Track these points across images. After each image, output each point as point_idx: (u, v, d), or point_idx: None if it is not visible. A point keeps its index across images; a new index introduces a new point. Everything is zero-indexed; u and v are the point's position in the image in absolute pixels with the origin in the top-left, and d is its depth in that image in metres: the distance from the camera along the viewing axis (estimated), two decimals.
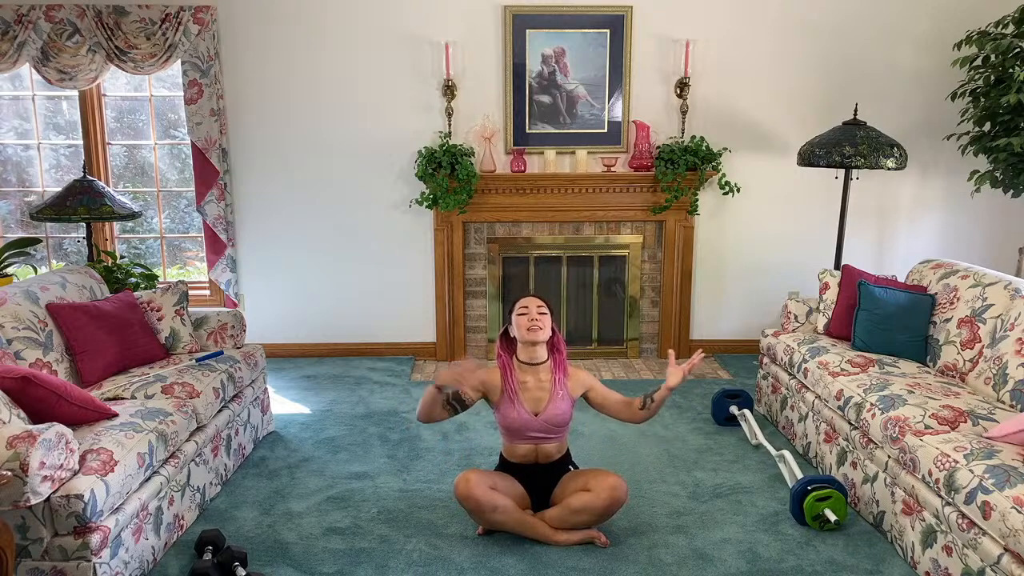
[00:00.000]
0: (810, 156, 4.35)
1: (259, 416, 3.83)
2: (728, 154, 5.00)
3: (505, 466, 3.01)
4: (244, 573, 2.60)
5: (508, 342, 2.99)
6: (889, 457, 2.91)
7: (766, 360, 4.15)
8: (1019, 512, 2.20)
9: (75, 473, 2.43)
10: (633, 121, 4.93)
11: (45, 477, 2.30)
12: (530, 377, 2.92)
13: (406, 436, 3.91)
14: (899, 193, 5.15)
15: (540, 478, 2.96)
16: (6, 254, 4.81)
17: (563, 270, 5.18)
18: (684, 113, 4.92)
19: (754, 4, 4.87)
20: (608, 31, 4.84)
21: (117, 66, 4.70)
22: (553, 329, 2.94)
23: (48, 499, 2.36)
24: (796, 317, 4.15)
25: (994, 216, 5.17)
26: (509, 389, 2.90)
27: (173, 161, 5.29)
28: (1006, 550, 2.26)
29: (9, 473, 2.24)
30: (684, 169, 4.76)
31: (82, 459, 2.49)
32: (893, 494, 2.86)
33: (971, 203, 5.12)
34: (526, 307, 2.90)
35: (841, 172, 4.96)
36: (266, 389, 3.93)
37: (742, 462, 3.59)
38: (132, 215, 4.37)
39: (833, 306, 3.95)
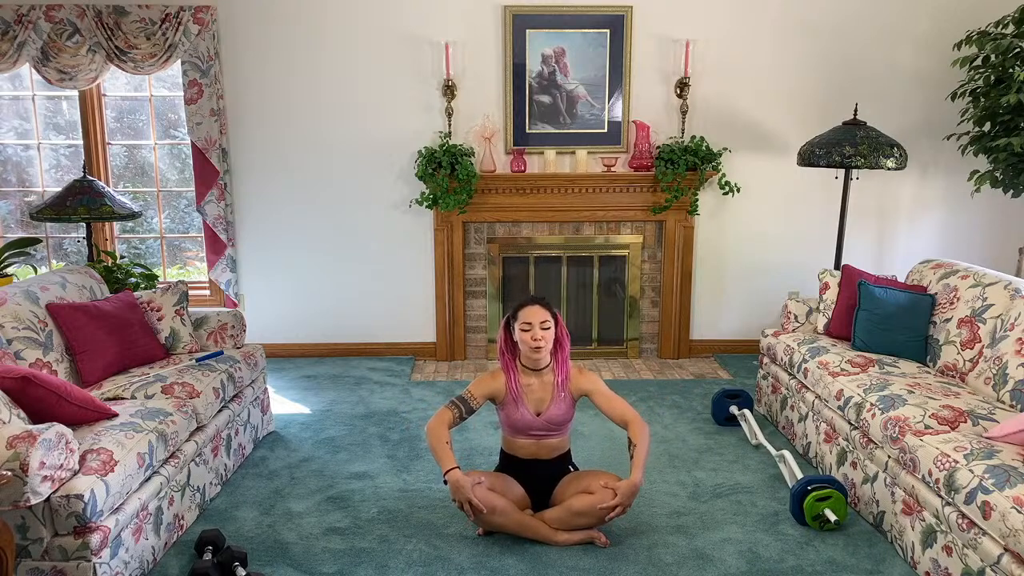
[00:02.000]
0: (810, 156, 4.35)
1: (259, 416, 3.83)
2: (728, 154, 5.00)
3: (506, 461, 3.02)
4: (244, 573, 2.60)
5: (510, 340, 2.97)
6: (889, 457, 2.91)
7: (766, 360, 4.15)
8: (1019, 512, 2.20)
9: (75, 473, 2.43)
10: (633, 121, 4.93)
11: (45, 477, 2.30)
12: (534, 379, 2.94)
13: (406, 436, 3.91)
14: (899, 193, 5.15)
15: (541, 473, 2.97)
16: (6, 254, 4.81)
17: (563, 270, 5.18)
18: (684, 113, 4.92)
19: (754, 4, 4.87)
20: (608, 31, 4.84)
21: (117, 66, 4.70)
22: (556, 316, 2.91)
23: (48, 499, 2.36)
24: (796, 317, 4.15)
25: (994, 216, 5.17)
26: (513, 392, 2.92)
27: (173, 161, 5.29)
28: (1006, 550, 2.26)
29: (9, 473, 2.24)
30: (684, 169, 4.76)
31: (82, 459, 2.49)
32: (893, 494, 2.86)
33: (971, 203, 5.12)
34: (529, 323, 2.85)
35: (841, 172, 4.96)
36: (266, 389, 3.93)
37: (742, 462, 3.59)
38: (132, 215, 4.37)
39: (833, 306, 3.95)
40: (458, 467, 2.77)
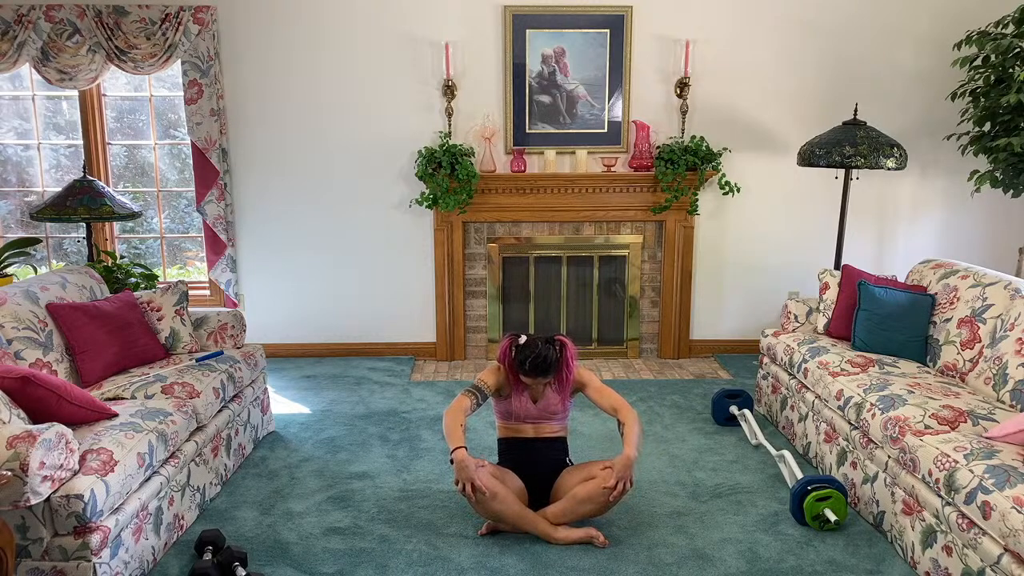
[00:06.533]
0: (810, 156, 4.35)
1: (259, 416, 3.83)
2: (728, 154, 5.00)
3: (506, 447, 3.06)
4: (244, 573, 2.60)
5: (510, 355, 2.99)
6: (889, 457, 2.91)
7: (766, 360, 4.15)
8: (1019, 512, 2.20)
9: (75, 473, 2.43)
10: (633, 121, 4.93)
11: (45, 477, 2.30)
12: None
13: (406, 436, 3.91)
14: (899, 193, 5.15)
15: (542, 454, 3.01)
16: (6, 254, 4.81)
17: (563, 270, 5.18)
18: (684, 113, 4.92)
19: (754, 4, 4.87)
20: (608, 31, 4.84)
21: (117, 66, 4.70)
22: (563, 343, 2.96)
23: (48, 499, 2.36)
24: (796, 317, 4.15)
25: (994, 216, 5.17)
26: (516, 390, 3.01)
27: (173, 161, 5.29)
28: (1006, 550, 2.26)
29: (9, 473, 2.24)
30: (684, 169, 4.76)
31: (82, 459, 2.49)
32: (893, 494, 2.86)
33: (971, 203, 5.12)
34: (528, 385, 2.98)
35: (841, 172, 4.96)
36: (266, 389, 3.93)
37: (742, 462, 3.59)
38: (132, 215, 4.37)
39: (833, 306, 3.95)
40: (465, 448, 2.79)
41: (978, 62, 4.55)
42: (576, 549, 2.84)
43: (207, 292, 5.23)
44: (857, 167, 4.21)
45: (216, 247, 5.00)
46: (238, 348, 3.83)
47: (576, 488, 2.87)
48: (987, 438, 2.64)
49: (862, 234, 5.19)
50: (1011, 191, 4.48)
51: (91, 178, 4.38)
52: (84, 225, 4.72)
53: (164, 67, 4.72)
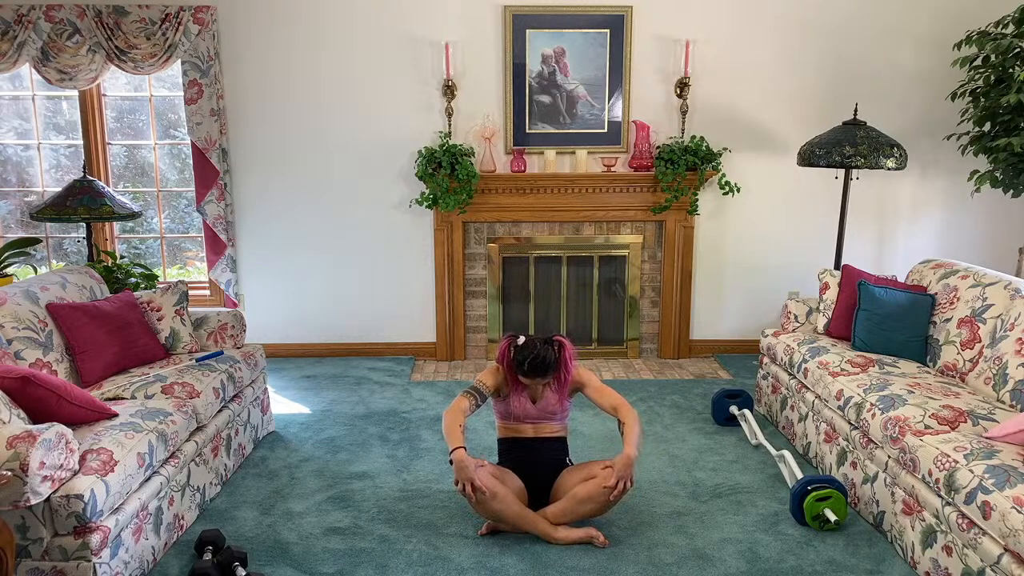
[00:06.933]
0: (810, 156, 4.35)
1: (259, 416, 3.83)
2: (728, 154, 5.00)
3: (506, 447, 3.06)
4: (244, 573, 2.60)
5: (509, 355, 3.00)
6: (889, 457, 2.91)
7: (766, 360, 4.15)
8: (1019, 512, 2.20)
9: (75, 473, 2.43)
10: (633, 121, 4.93)
11: (45, 477, 2.30)
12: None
13: (406, 436, 3.91)
14: (899, 193, 5.15)
15: (542, 453, 3.01)
16: (6, 254, 4.81)
17: (563, 270, 5.18)
18: (684, 113, 4.92)
19: (754, 4, 4.87)
20: (608, 31, 4.84)
21: (117, 66, 4.70)
22: (561, 343, 2.97)
23: (48, 499, 2.36)
24: (796, 317, 4.15)
25: (994, 216, 5.17)
26: (515, 391, 3.02)
27: (173, 161, 5.29)
28: (1006, 550, 2.26)
29: (9, 473, 2.24)
30: (684, 169, 4.76)
31: (82, 459, 2.49)
32: (893, 494, 2.86)
33: (971, 203, 5.12)
34: (527, 386, 2.99)
35: (841, 172, 4.96)
36: (266, 389, 3.93)
37: (742, 462, 3.59)
38: (132, 215, 4.37)
39: (833, 306, 3.95)
40: (465, 448, 2.79)
41: (978, 62, 4.55)
42: (576, 549, 2.84)
43: (207, 292, 5.23)
44: (857, 167, 4.21)
45: (216, 247, 5.00)
46: (238, 348, 3.83)
47: (576, 488, 2.87)
48: (987, 438, 2.64)
49: (862, 234, 5.19)
50: (1011, 191, 4.48)
51: (91, 178, 4.38)
52: (84, 225, 4.72)
53: (164, 67, 4.72)
